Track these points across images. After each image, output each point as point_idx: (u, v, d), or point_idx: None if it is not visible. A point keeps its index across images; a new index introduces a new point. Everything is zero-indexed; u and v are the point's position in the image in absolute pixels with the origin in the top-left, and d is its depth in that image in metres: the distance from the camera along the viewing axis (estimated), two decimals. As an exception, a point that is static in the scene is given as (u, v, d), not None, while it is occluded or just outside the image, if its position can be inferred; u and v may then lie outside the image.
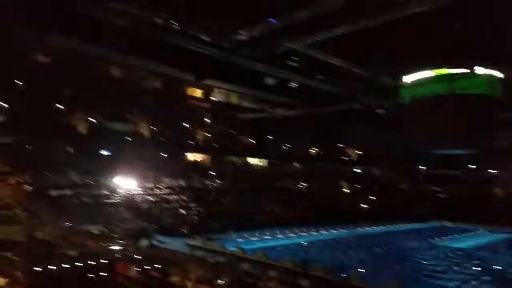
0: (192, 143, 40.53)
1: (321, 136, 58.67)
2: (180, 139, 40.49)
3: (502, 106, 21.50)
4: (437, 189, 55.57)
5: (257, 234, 28.98)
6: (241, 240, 26.37)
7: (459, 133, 21.76)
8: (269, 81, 43.27)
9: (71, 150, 32.77)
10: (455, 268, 21.27)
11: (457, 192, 52.33)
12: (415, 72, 25.22)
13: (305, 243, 24.94)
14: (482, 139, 22.81)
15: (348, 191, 54.12)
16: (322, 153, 56.75)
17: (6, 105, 30.13)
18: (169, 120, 39.93)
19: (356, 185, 54.81)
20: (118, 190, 29.88)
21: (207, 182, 38.19)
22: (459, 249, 27.22)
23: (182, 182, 36.02)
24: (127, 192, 30.19)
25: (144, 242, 21.13)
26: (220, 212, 32.71)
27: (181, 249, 20.87)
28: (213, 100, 50.67)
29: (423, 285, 17.97)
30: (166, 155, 39.08)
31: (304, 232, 32.07)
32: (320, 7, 27.39)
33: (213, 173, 40.32)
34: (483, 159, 45.69)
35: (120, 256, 13.65)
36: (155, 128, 38.73)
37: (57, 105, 34.09)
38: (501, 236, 36.31)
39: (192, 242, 23.72)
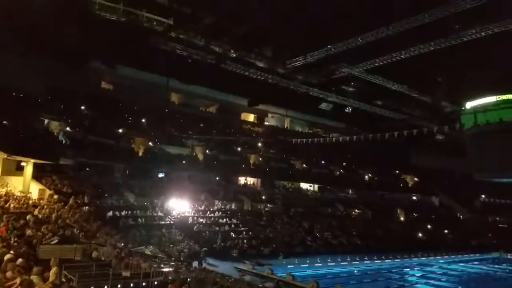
0: (244, 166, 40.91)
1: (377, 162, 56.81)
2: (232, 162, 41.20)
3: None
4: (498, 218, 52.13)
5: (308, 261, 28.31)
6: (291, 266, 25.93)
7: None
8: (324, 106, 42.98)
9: (128, 173, 34.47)
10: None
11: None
12: (478, 97, 24.00)
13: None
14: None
15: (403, 219, 51.48)
16: (377, 179, 54.74)
17: (69, 129, 32.07)
18: (222, 144, 40.88)
19: (413, 213, 52.12)
20: (171, 211, 30.74)
21: (258, 206, 38.20)
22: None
23: (234, 206, 36.32)
24: (180, 214, 30.97)
25: (195, 264, 21.44)
26: (270, 237, 32.42)
27: (231, 273, 20.85)
28: (266, 124, 51.36)
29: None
30: (219, 178, 39.93)
31: (357, 260, 30.93)
32: (378, 33, 27.10)
33: (264, 197, 40.34)
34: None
35: (172, 277, 13.88)
36: (209, 152, 39.74)
37: (118, 129, 36.18)
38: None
39: (241, 266, 23.61)
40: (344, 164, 51.77)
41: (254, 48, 37.16)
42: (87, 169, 31.57)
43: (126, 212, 27.88)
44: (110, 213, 26.71)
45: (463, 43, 25.43)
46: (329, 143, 44.22)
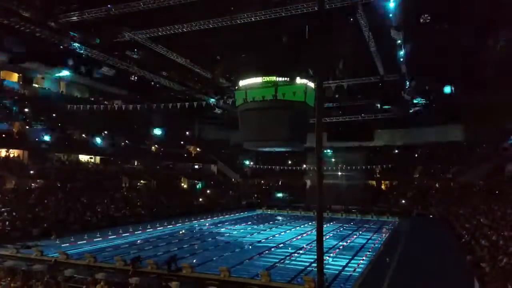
0: (6, 136, 34.26)
1: (163, 132, 58.10)
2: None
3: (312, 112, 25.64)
4: (262, 181, 63.13)
5: (86, 237, 26.82)
6: (66, 245, 24.09)
7: (277, 133, 25.08)
8: (106, 70, 39.64)
9: None
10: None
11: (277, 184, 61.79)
12: (248, 77, 27.49)
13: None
14: (297, 139, 26.62)
15: (186, 186, 55.36)
16: (163, 150, 56.26)
17: None
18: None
19: (195, 180, 56.76)
20: None
21: (25, 183, 33.13)
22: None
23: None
24: None
25: None
26: (41, 216, 28.80)
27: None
28: (36, 87, 44.30)
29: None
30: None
31: (139, 230, 31.32)
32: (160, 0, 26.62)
33: (33, 172, 35.28)
34: (300, 156, 54.99)
35: None
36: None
37: None
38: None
39: (2, 251, 20.74)
40: (129, 134, 50.58)
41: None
42: None
43: None
44: None
45: (238, 25, 28.04)
46: (112, 111, 42.15)
